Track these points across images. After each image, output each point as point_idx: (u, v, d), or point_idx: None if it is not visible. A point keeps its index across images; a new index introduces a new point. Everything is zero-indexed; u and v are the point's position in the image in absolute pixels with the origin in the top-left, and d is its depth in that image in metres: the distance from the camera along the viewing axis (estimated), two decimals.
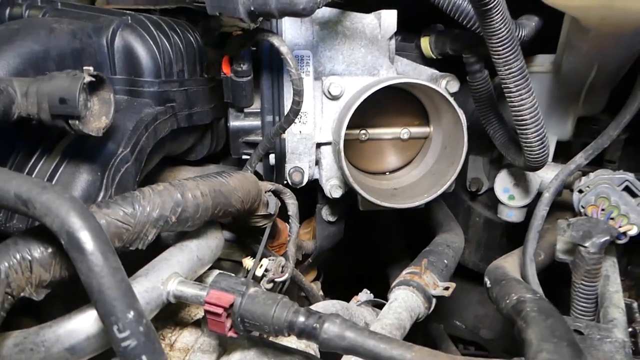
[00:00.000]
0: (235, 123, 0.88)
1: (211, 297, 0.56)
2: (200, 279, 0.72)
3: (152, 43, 0.83)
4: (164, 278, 0.61)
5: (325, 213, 1.02)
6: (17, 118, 0.60)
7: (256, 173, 0.99)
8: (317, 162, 0.92)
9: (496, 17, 0.69)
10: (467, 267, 1.42)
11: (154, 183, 1.00)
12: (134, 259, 0.62)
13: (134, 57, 0.82)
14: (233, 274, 0.59)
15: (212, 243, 0.69)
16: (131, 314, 0.48)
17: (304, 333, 0.55)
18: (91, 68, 0.61)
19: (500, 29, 0.70)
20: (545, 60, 0.98)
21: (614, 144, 1.03)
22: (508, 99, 0.78)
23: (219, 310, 0.55)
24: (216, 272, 0.74)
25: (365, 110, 0.85)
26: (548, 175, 0.99)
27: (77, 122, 0.59)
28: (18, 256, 0.51)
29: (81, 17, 0.84)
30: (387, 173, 1.00)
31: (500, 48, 0.72)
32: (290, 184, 0.89)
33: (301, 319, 0.55)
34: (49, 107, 0.58)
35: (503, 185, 1.04)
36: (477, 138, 1.05)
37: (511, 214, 1.05)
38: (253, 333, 0.60)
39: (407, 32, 1.03)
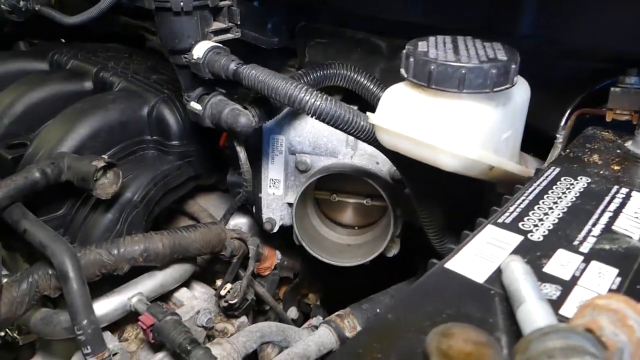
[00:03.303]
0: (231, 178, 1.18)
1: (143, 317, 0.90)
2: (170, 293, 1.06)
3: (178, 115, 1.15)
4: (130, 295, 0.95)
5: None
6: (64, 181, 0.98)
7: None
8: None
9: None
10: None
11: (187, 203, 1.35)
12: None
13: (165, 125, 1.15)
14: (163, 305, 0.92)
15: (176, 274, 1.02)
16: (85, 321, 0.83)
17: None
18: (106, 156, 0.96)
19: None
20: None
21: None
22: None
23: (145, 326, 0.89)
24: (184, 289, 1.07)
25: (336, 178, 1.09)
26: None
27: (92, 190, 0.95)
28: (41, 272, 0.89)
29: (137, 89, 1.19)
30: (356, 227, 1.23)
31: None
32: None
33: (185, 344, 0.86)
34: (75, 181, 0.95)
35: None
36: None
37: None
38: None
39: None
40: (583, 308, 0.38)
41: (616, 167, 0.68)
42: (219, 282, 1.14)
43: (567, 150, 0.72)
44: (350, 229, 1.23)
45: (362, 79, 1.01)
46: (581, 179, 0.65)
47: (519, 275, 0.44)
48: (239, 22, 0.96)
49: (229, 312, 1.12)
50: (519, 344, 0.35)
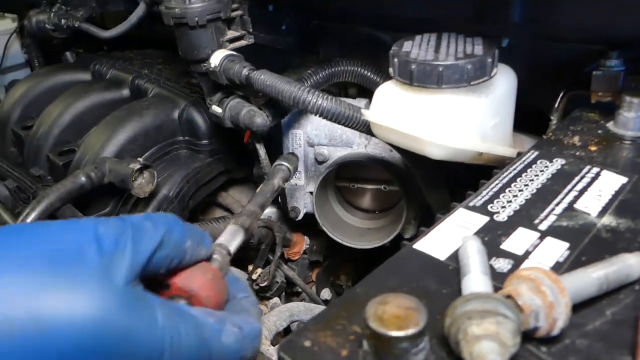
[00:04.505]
0: (257, 172, 1.28)
1: None
2: None
3: (206, 116, 1.25)
4: None
5: None
6: (107, 183, 1.10)
7: None
8: None
9: None
10: None
11: (221, 195, 1.45)
12: None
13: (194, 126, 1.26)
14: None
15: None
16: None
17: None
18: (141, 159, 1.07)
19: None
20: None
21: None
22: None
23: None
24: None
25: (354, 167, 1.17)
26: None
27: (131, 190, 1.07)
28: None
29: (169, 94, 1.30)
30: (376, 212, 1.31)
31: None
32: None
33: None
34: (116, 183, 1.07)
35: None
36: None
37: None
38: None
39: None
40: (511, 278, 0.45)
41: (593, 148, 0.72)
42: (250, 267, 1.24)
43: (550, 134, 0.77)
44: (370, 214, 1.31)
45: (369, 74, 1.07)
46: (556, 160, 0.70)
47: (470, 252, 0.51)
48: (251, 30, 1.04)
49: (261, 294, 1.22)
50: (448, 308, 0.42)
